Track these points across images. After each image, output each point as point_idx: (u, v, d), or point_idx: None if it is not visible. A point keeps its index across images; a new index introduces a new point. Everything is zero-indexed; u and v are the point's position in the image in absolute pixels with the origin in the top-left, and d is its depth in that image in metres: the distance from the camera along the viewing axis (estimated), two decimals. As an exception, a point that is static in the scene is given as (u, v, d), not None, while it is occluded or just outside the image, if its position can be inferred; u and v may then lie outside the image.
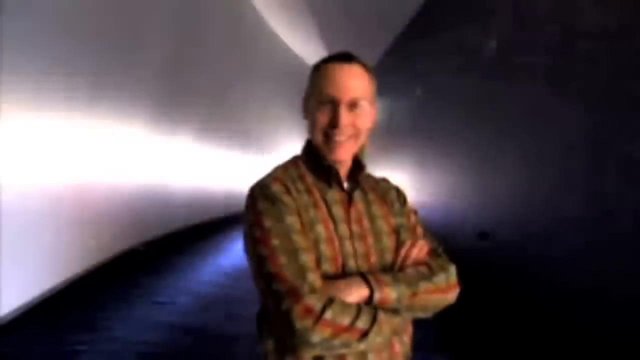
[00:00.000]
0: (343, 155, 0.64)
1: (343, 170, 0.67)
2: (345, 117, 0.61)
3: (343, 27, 5.68)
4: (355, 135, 0.64)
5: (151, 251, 4.39)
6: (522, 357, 2.19)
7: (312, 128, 0.66)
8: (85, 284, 3.10)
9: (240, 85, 6.74)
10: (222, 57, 5.74)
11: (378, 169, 6.84)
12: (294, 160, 0.70)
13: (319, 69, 0.65)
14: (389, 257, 0.64)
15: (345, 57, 0.64)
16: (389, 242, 0.65)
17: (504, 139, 2.90)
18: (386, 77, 7.30)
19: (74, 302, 2.79)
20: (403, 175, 5.64)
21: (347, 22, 5.71)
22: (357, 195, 0.67)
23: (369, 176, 0.76)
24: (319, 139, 0.64)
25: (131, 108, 3.84)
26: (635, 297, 1.65)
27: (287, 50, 8.35)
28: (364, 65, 0.66)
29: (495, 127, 3.05)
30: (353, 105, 0.62)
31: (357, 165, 0.70)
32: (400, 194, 0.75)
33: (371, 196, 0.70)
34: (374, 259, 0.62)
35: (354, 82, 0.62)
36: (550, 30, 2.37)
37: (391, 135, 6.61)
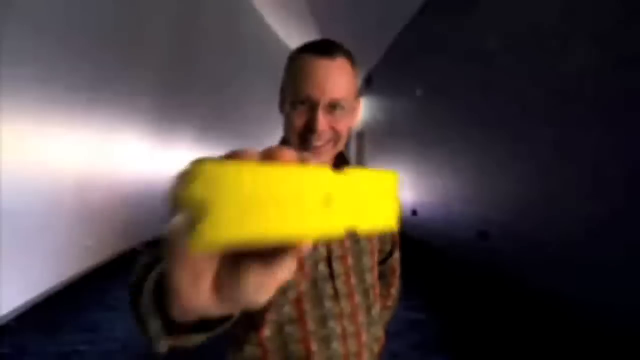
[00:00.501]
0: (321, 160, 0.57)
1: None
2: (323, 121, 0.53)
3: (343, 27, 5.68)
4: (335, 139, 0.56)
5: (151, 251, 4.38)
6: (522, 357, 2.19)
7: (287, 128, 0.57)
8: (85, 284, 3.10)
9: (240, 86, 6.74)
10: (221, 57, 5.74)
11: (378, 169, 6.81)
12: None
13: (296, 59, 0.56)
14: (366, 259, 0.61)
15: (325, 49, 0.54)
16: (367, 244, 0.62)
17: (505, 139, 2.90)
18: (386, 77, 7.30)
19: (73, 302, 2.78)
20: (403, 175, 5.64)
21: (347, 22, 5.71)
22: None
23: None
24: (294, 141, 0.56)
25: (131, 108, 3.84)
26: (635, 296, 1.65)
27: (287, 50, 8.36)
28: (347, 57, 0.56)
29: (495, 128, 3.05)
30: (333, 106, 0.54)
31: (341, 161, 0.63)
32: None
33: None
34: (348, 243, 0.60)
35: (335, 81, 0.53)
36: (549, 30, 2.37)
37: (391, 135, 6.61)
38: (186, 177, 0.16)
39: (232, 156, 0.20)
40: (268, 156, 0.20)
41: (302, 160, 0.20)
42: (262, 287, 0.21)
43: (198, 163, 0.17)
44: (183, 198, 0.16)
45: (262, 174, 0.17)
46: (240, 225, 0.16)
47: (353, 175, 0.21)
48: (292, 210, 0.18)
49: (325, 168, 0.20)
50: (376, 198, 0.23)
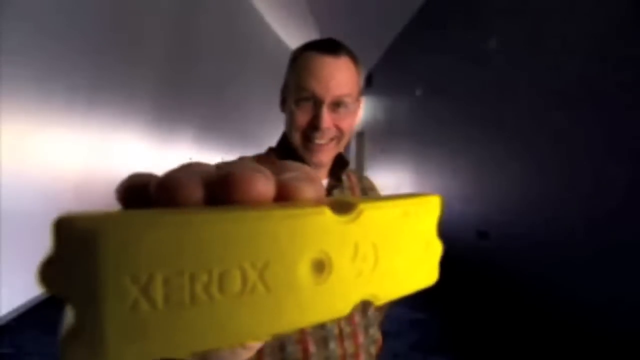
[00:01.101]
0: (324, 159, 0.56)
1: (324, 170, 0.60)
2: (327, 118, 0.52)
3: (343, 26, 5.68)
4: (338, 137, 0.56)
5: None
6: (522, 357, 2.19)
7: (289, 125, 0.56)
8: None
9: (240, 85, 6.74)
10: (221, 57, 5.74)
11: (378, 169, 6.79)
12: (267, 154, 0.61)
13: (300, 57, 0.55)
14: None
15: (330, 47, 0.54)
16: None
17: (505, 139, 2.90)
18: (386, 77, 7.30)
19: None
20: (403, 175, 5.64)
21: (347, 22, 5.70)
22: (335, 194, 0.60)
23: (352, 173, 0.69)
24: (297, 139, 0.55)
25: (130, 108, 3.84)
26: (635, 297, 1.65)
27: (287, 50, 8.36)
28: (351, 56, 0.56)
29: (495, 127, 3.05)
30: (337, 104, 0.53)
31: (340, 161, 0.62)
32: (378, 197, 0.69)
33: (350, 196, 0.62)
34: None
35: (340, 79, 0.52)
36: (550, 31, 2.37)
37: (391, 135, 6.61)
38: (56, 246, 0.10)
39: (158, 193, 0.12)
40: (222, 188, 0.12)
41: (286, 193, 0.13)
42: (240, 348, 0.16)
43: (70, 219, 0.10)
44: (50, 283, 0.10)
45: (194, 233, 0.10)
46: (155, 333, 0.10)
47: (368, 214, 0.13)
48: (252, 296, 0.11)
49: (321, 208, 0.12)
50: (404, 247, 0.15)
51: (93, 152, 3.24)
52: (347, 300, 0.13)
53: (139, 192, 0.13)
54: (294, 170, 0.15)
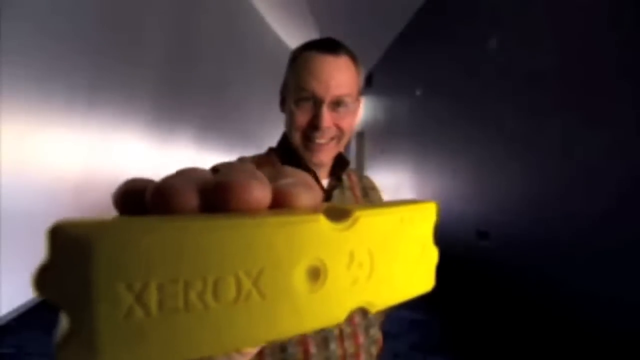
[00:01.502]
0: (324, 159, 0.56)
1: (324, 169, 0.59)
2: (327, 118, 0.52)
3: (343, 27, 5.67)
4: (339, 137, 0.55)
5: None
6: (522, 357, 2.19)
7: (289, 125, 0.56)
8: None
9: (240, 85, 6.74)
10: (221, 57, 5.74)
11: (378, 169, 6.78)
12: (267, 154, 0.61)
13: (300, 56, 0.55)
14: None
15: (329, 47, 0.53)
16: None
17: (505, 139, 2.90)
18: (386, 77, 7.30)
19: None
20: (403, 175, 5.64)
21: (347, 22, 5.70)
22: (336, 194, 0.60)
23: (352, 172, 0.68)
24: (297, 139, 0.55)
25: (130, 108, 3.84)
26: (635, 297, 1.65)
27: (287, 49, 8.36)
28: (351, 56, 0.56)
29: (495, 127, 3.05)
30: (337, 103, 0.53)
31: (341, 160, 0.62)
32: (379, 196, 0.70)
33: (350, 196, 0.62)
34: None
35: (339, 78, 0.52)
36: (550, 32, 2.37)
37: (391, 135, 6.61)
38: (51, 253, 0.10)
39: (153, 200, 0.12)
40: (216, 196, 0.12)
41: (282, 200, 0.13)
42: (236, 354, 0.16)
43: (65, 226, 0.10)
44: (45, 290, 0.10)
45: (190, 240, 0.10)
46: (145, 339, 0.10)
47: (364, 221, 0.13)
48: (247, 304, 0.11)
49: (316, 216, 0.12)
50: (401, 254, 0.15)
51: (93, 152, 3.24)
52: (342, 307, 0.13)
53: (135, 197, 0.13)
54: (291, 176, 0.15)
